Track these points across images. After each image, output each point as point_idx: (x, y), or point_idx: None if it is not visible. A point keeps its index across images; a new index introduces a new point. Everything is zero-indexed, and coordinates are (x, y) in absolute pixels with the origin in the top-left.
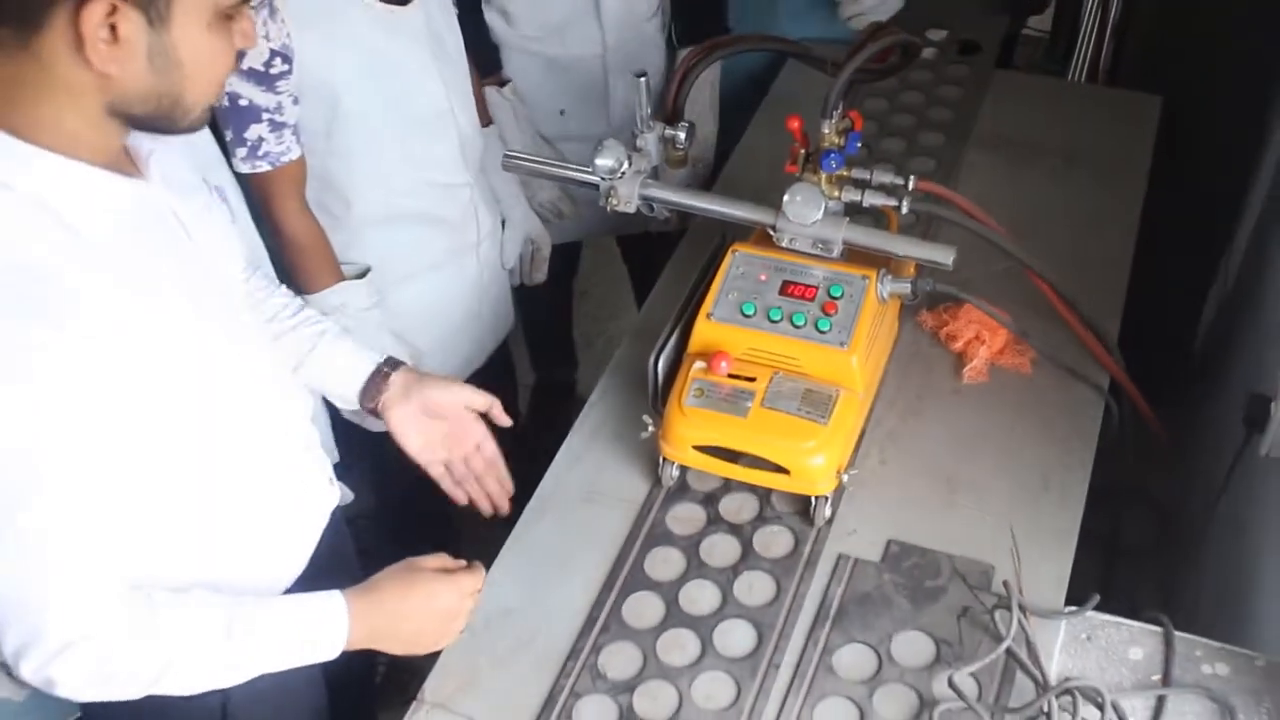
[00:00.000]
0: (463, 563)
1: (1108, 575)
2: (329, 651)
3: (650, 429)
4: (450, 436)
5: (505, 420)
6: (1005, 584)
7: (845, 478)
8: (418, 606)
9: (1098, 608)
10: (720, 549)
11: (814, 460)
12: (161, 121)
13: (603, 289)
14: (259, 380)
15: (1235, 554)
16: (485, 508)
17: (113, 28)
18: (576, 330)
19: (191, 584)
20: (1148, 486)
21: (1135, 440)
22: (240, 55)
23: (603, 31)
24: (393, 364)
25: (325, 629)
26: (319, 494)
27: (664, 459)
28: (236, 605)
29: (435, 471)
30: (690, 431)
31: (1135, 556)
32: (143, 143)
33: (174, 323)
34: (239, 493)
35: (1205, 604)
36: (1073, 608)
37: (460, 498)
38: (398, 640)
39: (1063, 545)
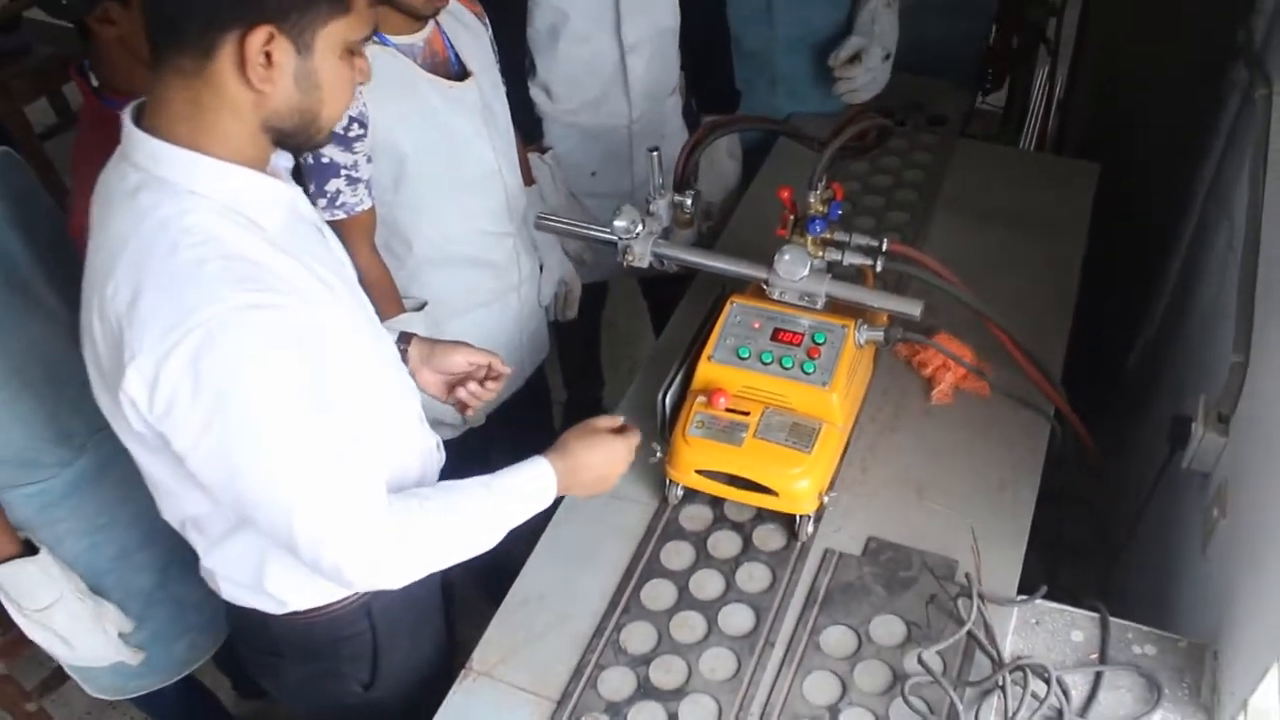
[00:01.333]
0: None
1: (1053, 569)
2: (547, 500)
3: (658, 454)
4: (462, 379)
5: (506, 370)
6: (967, 575)
7: (826, 499)
8: (598, 459)
9: (1045, 597)
10: (724, 543)
11: (799, 484)
12: (300, 136)
13: (626, 320)
14: (387, 361)
15: (1161, 552)
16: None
17: (268, 54)
18: (603, 356)
19: None
20: (1087, 495)
21: (1076, 457)
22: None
23: (630, 106)
24: (405, 339)
25: (543, 484)
26: (435, 457)
27: (669, 480)
28: (484, 484)
29: (451, 403)
30: (693, 457)
31: (1077, 554)
32: (279, 161)
33: (337, 303)
34: (385, 448)
35: (1136, 594)
36: (1024, 596)
37: (469, 413)
38: (581, 485)
39: (1016, 543)
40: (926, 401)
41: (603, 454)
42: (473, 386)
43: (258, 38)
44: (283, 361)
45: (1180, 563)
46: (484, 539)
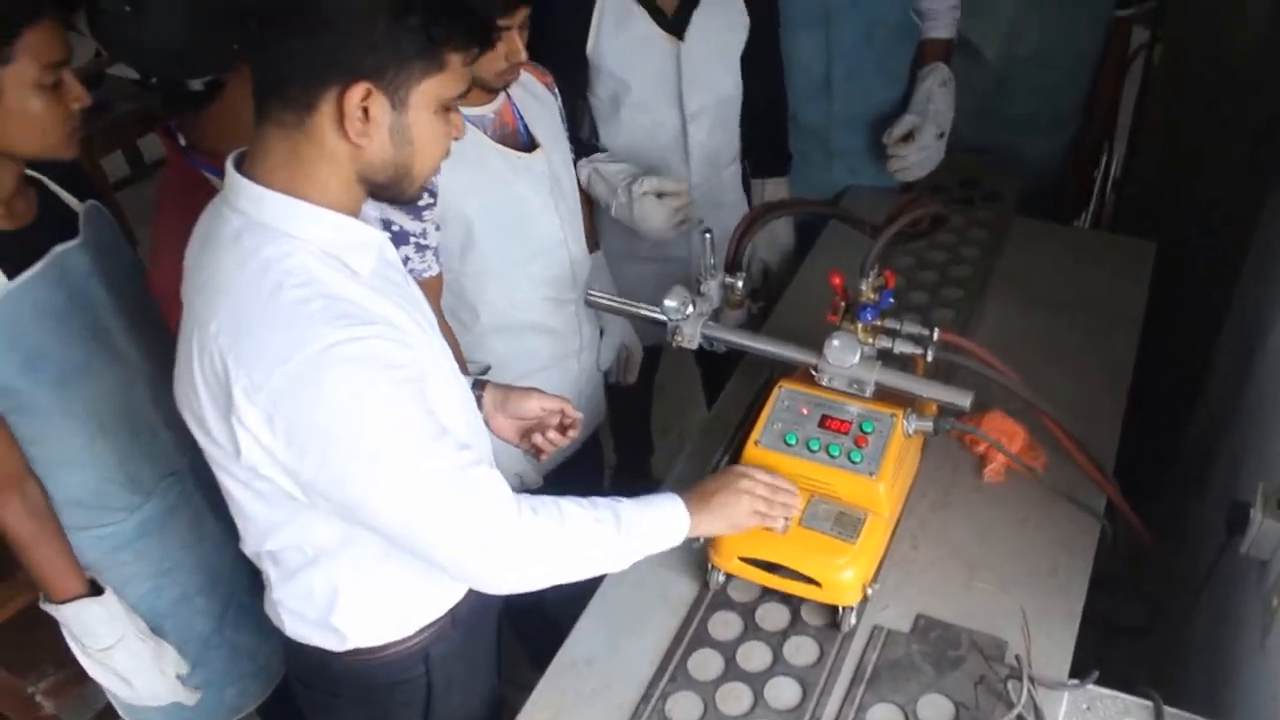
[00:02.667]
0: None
1: (1105, 654)
2: (679, 537)
3: (701, 539)
4: (535, 425)
5: (577, 414)
6: (1017, 657)
7: (870, 591)
8: (732, 494)
9: (1097, 682)
10: (773, 616)
11: (843, 575)
12: (393, 189)
13: (678, 386)
14: (466, 406)
15: (1218, 639)
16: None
17: (365, 109)
18: (654, 422)
19: None
20: (1140, 577)
21: (1127, 549)
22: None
23: (690, 173)
24: (479, 385)
25: (675, 519)
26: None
27: (712, 566)
28: (616, 503)
29: (525, 448)
30: (736, 544)
31: (1130, 638)
32: (367, 210)
33: (428, 343)
34: None
35: (1191, 682)
36: (1075, 681)
37: (543, 457)
38: (715, 519)
39: (1067, 625)
40: (978, 479)
41: (735, 483)
42: (552, 434)
43: (356, 93)
44: (391, 388)
45: (1238, 652)
46: (609, 564)
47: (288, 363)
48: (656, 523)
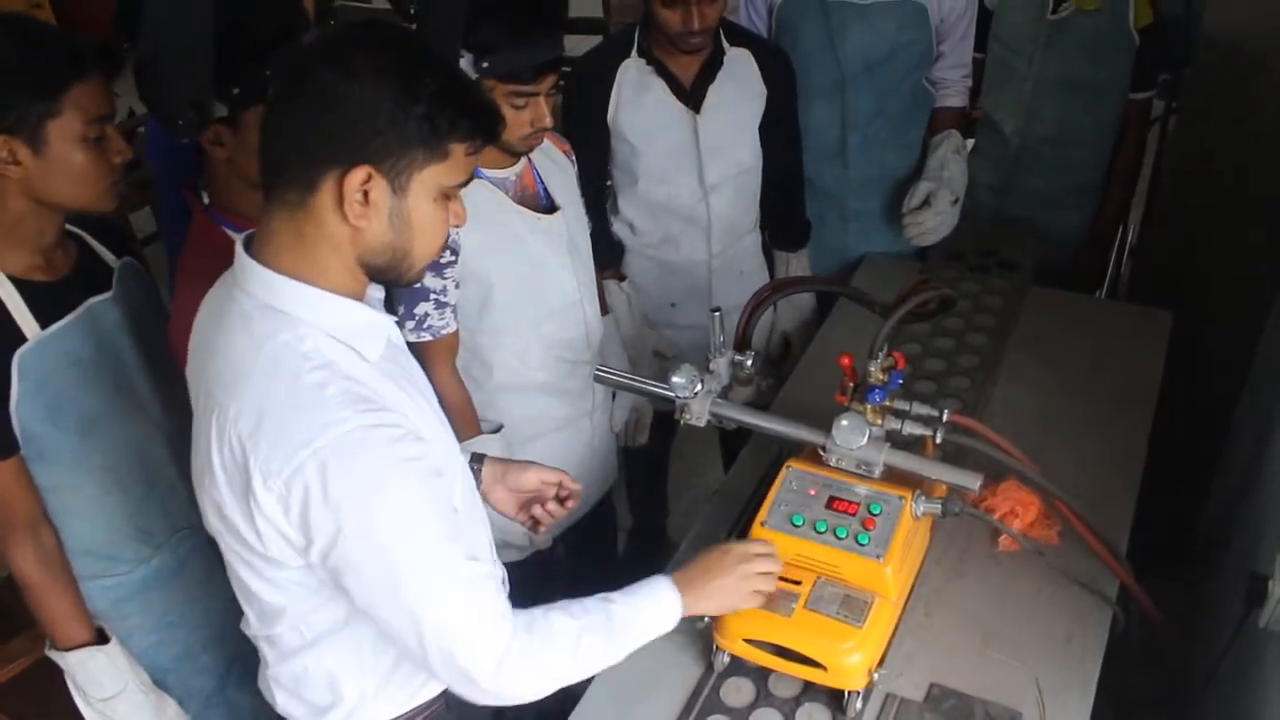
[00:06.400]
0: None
1: None
2: (672, 622)
3: (706, 619)
4: (534, 497)
5: (575, 486)
6: None
7: (876, 675)
8: (729, 577)
9: None
10: (785, 682)
11: (849, 659)
12: (392, 272)
13: (694, 449)
14: (467, 488)
15: (1237, 713)
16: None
17: (365, 193)
18: (669, 484)
19: None
20: (1156, 647)
21: (1141, 624)
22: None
23: (709, 243)
24: (478, 459)
25: (667, 607)
26: (504, 588)
27: (716, 647)
28: (603, 602)
29: (523, 520)
30: (741, 626)
31: (1145, 707)
32: (371, 292)
33: (431, 428)
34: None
35: None
36: None
37: (541, 529)
38: (712, 602)
39: (1082, 696)
40: (993, 547)
41: (730, 567)
42: (550, 506)
43: (356, 177)
44: (406, 477)
45: None
46: (605, 661)
47: (308, 446)
48: (648, 614)
